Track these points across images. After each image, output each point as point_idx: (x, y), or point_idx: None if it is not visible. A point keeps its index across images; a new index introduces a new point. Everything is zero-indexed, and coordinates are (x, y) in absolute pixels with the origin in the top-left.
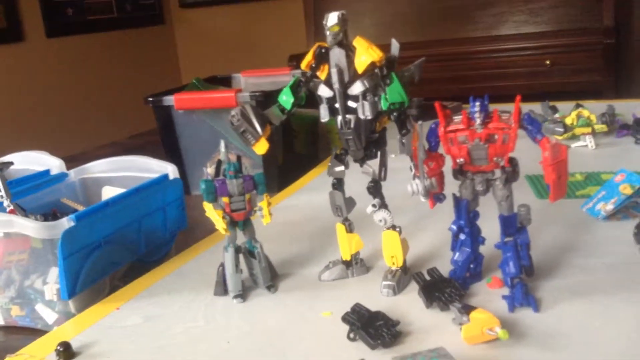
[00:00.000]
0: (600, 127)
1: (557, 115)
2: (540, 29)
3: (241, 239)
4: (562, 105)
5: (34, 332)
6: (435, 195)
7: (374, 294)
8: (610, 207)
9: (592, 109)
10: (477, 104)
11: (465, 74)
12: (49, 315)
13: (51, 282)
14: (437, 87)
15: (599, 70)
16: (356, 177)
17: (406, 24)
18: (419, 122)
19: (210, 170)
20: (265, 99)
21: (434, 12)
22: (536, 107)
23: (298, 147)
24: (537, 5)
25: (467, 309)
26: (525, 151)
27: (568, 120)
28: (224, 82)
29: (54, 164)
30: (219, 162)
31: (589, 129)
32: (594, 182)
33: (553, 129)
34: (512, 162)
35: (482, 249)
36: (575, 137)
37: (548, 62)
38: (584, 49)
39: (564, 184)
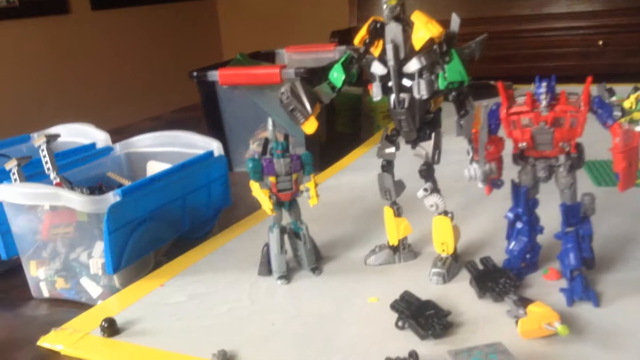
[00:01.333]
0: None
1: (614, 98)
2: (593, 8)
3: (286, 219)
4: (619, 88)
5: (78, 305)
6: (492, 181)
7: (422, 281)
8: None
9: None
10: (544, 84)
11: (513, 53)
12: (93, 289)
13: (96, 256)
14: (483, 67)
15: None
16: (405, 159)
17: (451, 1)
18: (484, 104)
19: (256, 147)
20: (310, 75)
21: None
22: (591, 89)
23: (340, 126)
24: None
25: (524, 302)
26: (583, 135)
27: (626, 104)
28: (268, 57)
29: (99, 137)
30: (266, 141)
31: None
32: None
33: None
34: (579, 147)
35: (539, 238)
36: (634, 122)
37: (600, 42)
38: (638, 29)
39: (634, 173)
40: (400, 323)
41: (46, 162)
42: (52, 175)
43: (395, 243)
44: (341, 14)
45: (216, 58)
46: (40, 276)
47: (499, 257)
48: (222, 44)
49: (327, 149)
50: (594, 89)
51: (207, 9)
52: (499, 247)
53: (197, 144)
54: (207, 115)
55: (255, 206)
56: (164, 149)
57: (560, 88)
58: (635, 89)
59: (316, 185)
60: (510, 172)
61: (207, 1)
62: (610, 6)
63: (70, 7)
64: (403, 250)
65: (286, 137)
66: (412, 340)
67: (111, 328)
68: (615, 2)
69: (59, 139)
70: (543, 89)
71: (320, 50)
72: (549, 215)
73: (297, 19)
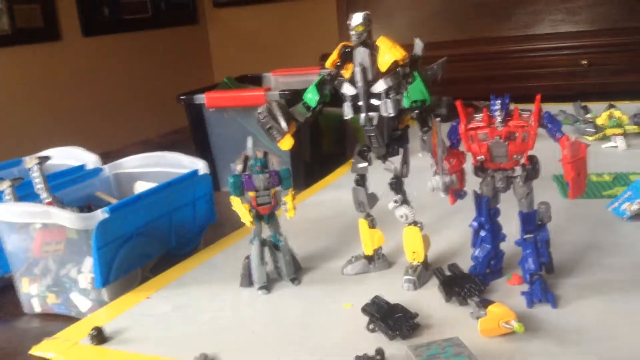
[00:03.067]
0: (632, 127)
1: (588, 115)
2: (577, 28)
3: (267, 232)
4: (595, 106)
5: (68, 319)
6: (456, 192)
7: (395, 288)
8: (635, 207)
9: (625, 109)
10: (498, 102)
11: (500, 73)
12: (83, 303)
13: (86, 271)
14: (471, 87)
15: (638, 71)
16: (380, 175)
17: (440, 23)
18: (437, 120)
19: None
20: (294, 98)
21: (468, 10)
22: (569, 108)
23: (325, 145)
24: (575, 3)
25: (485, 303)
26: (552, 151)
27: (599, 121)
28: (255, 81)
29: (89, 159)
30: (246, 158)
31: (620, 130)
32: (621, 183)
33: (584, 129)
34: (532, 159)
35: (503, 246)
36: (606, 138)
37: (585, 62)
38: (622, 49)
39: (583, 182)
40: (370, 326)
41: (37, 183)
42: (44, 195)
43: (370, 253)
44: (331, 37)
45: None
46: (32, 292)
47: (466, 264)
48: (213, 68)
49: (312, 168)
50: (570, 107)
51: (198, 33)
52: (466, 255)
53: (184, 163)
54: (195, 137)
55: (239, 224)
56: (151, 169)
57: (543, 107)
58: (609, 107)
59: (293, 198)
60: (475, 184)
61: (198, 26)
62: (594, 26)
63: (61, 34)
64: (377, 260)
65: (265, 154)
66: (382, 341)
67: (99, 336)
68: (598, 22)
69: (50, 162)
70: (497, 106)
71: (306, 73)
72: (513, 224)
73: (287, 43)
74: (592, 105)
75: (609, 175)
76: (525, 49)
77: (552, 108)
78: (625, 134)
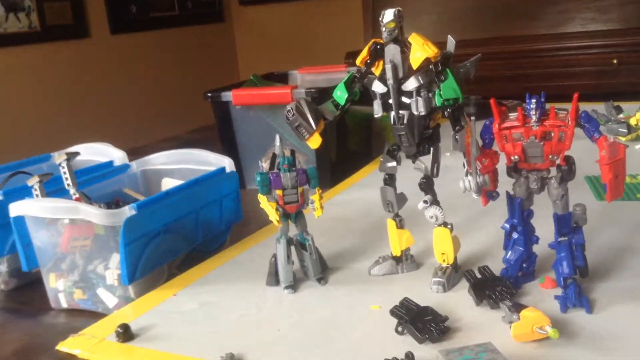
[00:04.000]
0: None
1: (621, 115)
2: (607, 27)
3: (293, 231)
4: (628, 106)
5: (95, 315)
6: (488, 193)
7: (423, 290)
8: None
9: None
10: (534, 100)
11: (528, 72)
12: (109, 299)
13: (112, 268)
14: (499, 85)
15: None
16: (408, 174)
17: (467, 21)
18: (472, 118)
19: (265, 164)
20: (320, 95)
21: (497, 9)
22: (600, 107)
23: (352, 144)
24: (606, 2)
25: (518, 307)
26: (586, 151)
27: (632, 121)
28: (281, 78)
29: (117, 156)
30: (274, 156)
31: None
32: None
33: (617, 130)
34: (568, 160)
35: (536, 249)
36: (639, 138)
37: (615, 61)
38: None
39: (621, 184)
40: (399, 328)
41: (66, 179)
42: (72, 191)
43: (398, 254)
44: (356, 35)
45: (233, 79)
46: (59, 287)
47: (498, 266)
48: (239, 66)
49: (338, 166)
50: (602, 107)
51: (224, 31)
52: (497, 257)
53: (210, 161)
54: (221, 134)
55: (266, 222)
56: (178, 166)
57: (565, 106)
58: None
59: (321, 197)
60: (507, 184)
61: (224, 24)
62: (624, 25)
63: (90, 31)
64: (405, 261)
65: (292, 152)
66: (411, 344)
67: (126, 334)
68: (629, 21)
69: (78, 158)
70: (533, 105)
71: (332, 71)
72: (546, 226)
73: (312, 40)
74: (624, 105)
75: None
76: (555, 48)
77: (583, 107)
78: None
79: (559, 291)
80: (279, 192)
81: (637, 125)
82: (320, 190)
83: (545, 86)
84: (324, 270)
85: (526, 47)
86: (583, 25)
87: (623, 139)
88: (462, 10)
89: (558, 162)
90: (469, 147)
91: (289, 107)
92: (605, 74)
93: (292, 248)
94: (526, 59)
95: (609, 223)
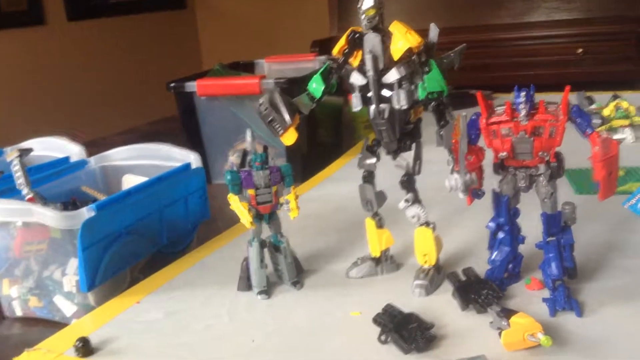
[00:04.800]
0: (639, 119)
1: (593, 106)
2: (572, 16)
3: (266, 232)
4: (598, 96)
5: (52, 324)
6: (473, 191)
7: (404, 294)
8: None
9: (630, 100)
10: (523, 94)
11: (493, 62)
12: (67, 308)
13: (70, 274)
14: (464, 75)
15: (632, 59)
16: (387, 170)
17: (432, 10)
18: (463, 114)
19: (234, 159)
20: (291, 86)
21: None
22: (572, 98)
23: (322, 136)
24: None
25: (507, 313)
26: (563, 143)
27: (605, 112)
28: (247, 68)
29: (73, 151)
30: (245, 153)
31: (627, 121)
32: (635, 178)
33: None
34: (558, 156)
35: (521, 248)
36: (613, 130)
37: (580, 50)
38: (617, 38)
39: (614, 181)
40: (383, 337)
41: (18, 177)
42: (25, 190)
43: (378, 255)
44: (322, 23)
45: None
46: (13, 294)
47: (482, 267)
48: (202, 54)
49: (308, 160)
50: (573, 98)
51: (185, 18)
52: (481, 257)
53: (175, 156)
54: (185, 126)
55: (234, 219)
56: (140, 161)
57: (539, 97)
58: (615, 97)
59: (296, 197)
60: (492, 182)
61: (185, 11)
62: (589, 14)
63: (45, 18)
64: (385, 262)
65: (265, 148)
66: (395, 354)
67: (85, 348)
68: (593, 10)
69: (32, 153)
70: (522, 99)
71: (300, 60)
72: (531, 225)
73: (277, 28)
74: (594, 95)
75: (621, 170)
76: (520, 37)
77: (552, 98)
78: (632, 126)
79: (545, 292)
80: (251, 191)
81: (610, 116)
82: (295, 189)
83: (511, 75)
84: (299, 274)
85: (491, 36)
86: (548, 15)
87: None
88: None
89: (547, 158)
90: (456, 144)
91: (261, 100)
92: (570, 64)
93: (265, 250)
94: (491, 48)
95: (591, 218)
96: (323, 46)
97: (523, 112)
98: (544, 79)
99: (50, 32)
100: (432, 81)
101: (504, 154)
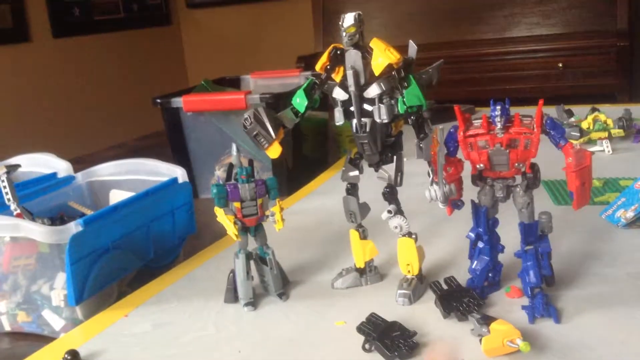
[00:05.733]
0: (617, 131)
1: (572, 119)
2: (552, 31)
3: (252, 244)
4: (577, 109)
5: (40, 339)
6: (453, 202)
7: (388, 303)
8: (630, 214)
9: (608, 113)
10: (498, 107)
11: (475, 77)
12: (55, 322)
13: (58, 288)
14: (447, 90)
15: (612, 73)
16: (370, 182)
17: (415, 25)
18: (440, 127)
19: (221, 173)
20: (276, 101)
21: (444, 13)
22: (550, 111)
23: (307, 150)
24: (550, 7)
25: (487, 320)
26: (541, 156)
27: (584, 125)
28: (233, 83)
29: (61, 167)
30: (231, 166)
31: (605, 134)
32: (612, 189)
33: (569, 134)
34: (534, 168)
35: (500, 257)
36: (591, 142)
37: (560, 64)
38: (597, 52)
39: (588, 191)
40: (367, 345)
41: (6, 193)
42: (13, 206)
43: (362, 265)
44: (307, 39)
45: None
46: (1, 310)
47: (463, 276)
48: (188, 70)
49: (294, 174)
50: (552, 111)
51: (171, 35)
52: (462, 266)
53: (161, 171)
54: (171, 142)
55: (221, 233)
56: (127, 177)
57: (519, 110)
58: (593, 110)
59: (282, 209)
60: (471, 193)
61: (171, 27)
62: (569, 29)
63: (31, 35)
64: (369, 273)
65: (251, 162)
66: None
67: None
68: (574, 25)
69: (20, 169)
70: (497, 112)
71: (286, 75)
72: (510, 234)
73: (263, 44)
74: (572, 108)
75: (599, 181)
76: (502, 52)
77: (533, 111)
78: (610, 138)
79: (525, 300)
80: (237, 204)
81: (589, 128)
82: (281, 202)
83: (492, 90)
84: (285, 285)
85: (472, 51)
86: (529, 30)
87: (575, 142)
88: (408, 14)
89: (523, 169)
90: (435, 156)
91: (246, 115)
92: (551, 78)
93: (251, 262)
94: (472, 63)
95: (568, 228)
96: (308, 61)
97: (499, 125)
98: (526, 93)
99: (36, 49)
100: (411, 96)
101: (481, 165)
